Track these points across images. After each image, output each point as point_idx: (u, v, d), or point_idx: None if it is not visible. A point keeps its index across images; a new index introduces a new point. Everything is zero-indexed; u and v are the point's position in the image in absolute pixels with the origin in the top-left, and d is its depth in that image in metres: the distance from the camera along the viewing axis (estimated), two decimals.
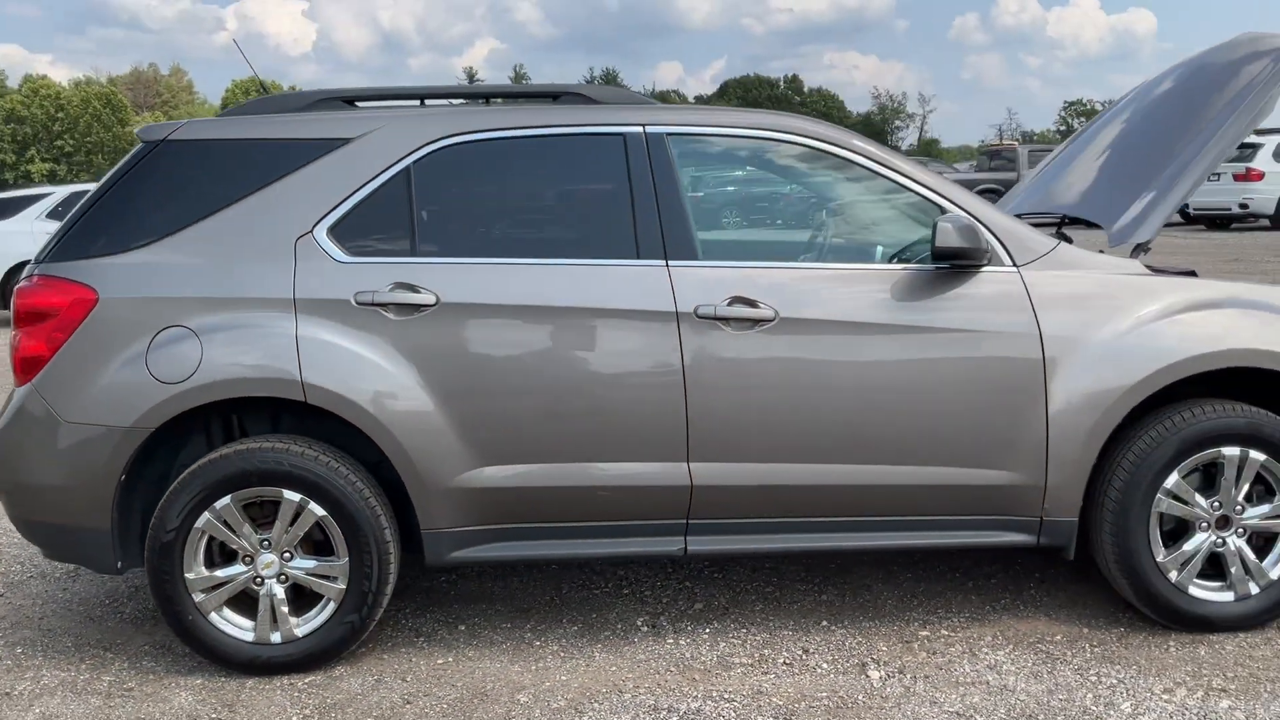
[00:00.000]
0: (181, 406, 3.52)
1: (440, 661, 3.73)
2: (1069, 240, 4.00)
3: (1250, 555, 3.72)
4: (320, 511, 3.56)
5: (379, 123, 3.75)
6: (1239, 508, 3.70)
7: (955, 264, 3.63)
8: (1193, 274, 4.39)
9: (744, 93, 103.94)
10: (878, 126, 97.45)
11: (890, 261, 3.84)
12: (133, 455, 3.54)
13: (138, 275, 3.61)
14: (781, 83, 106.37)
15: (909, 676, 3.49)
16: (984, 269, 3.68)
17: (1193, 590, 3.72)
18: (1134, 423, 3.68)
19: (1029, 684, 3.41)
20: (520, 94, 4.17)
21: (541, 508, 3.65)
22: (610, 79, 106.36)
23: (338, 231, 3.64)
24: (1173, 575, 3.70)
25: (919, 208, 3.81)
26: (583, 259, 3.66)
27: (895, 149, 4.45)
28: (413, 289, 3.58)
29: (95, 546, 3.63)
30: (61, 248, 3.68)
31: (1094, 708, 3.25)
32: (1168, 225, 5.60)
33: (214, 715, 3.39)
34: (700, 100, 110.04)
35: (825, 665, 3.59)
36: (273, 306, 3.56)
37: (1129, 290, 3.73)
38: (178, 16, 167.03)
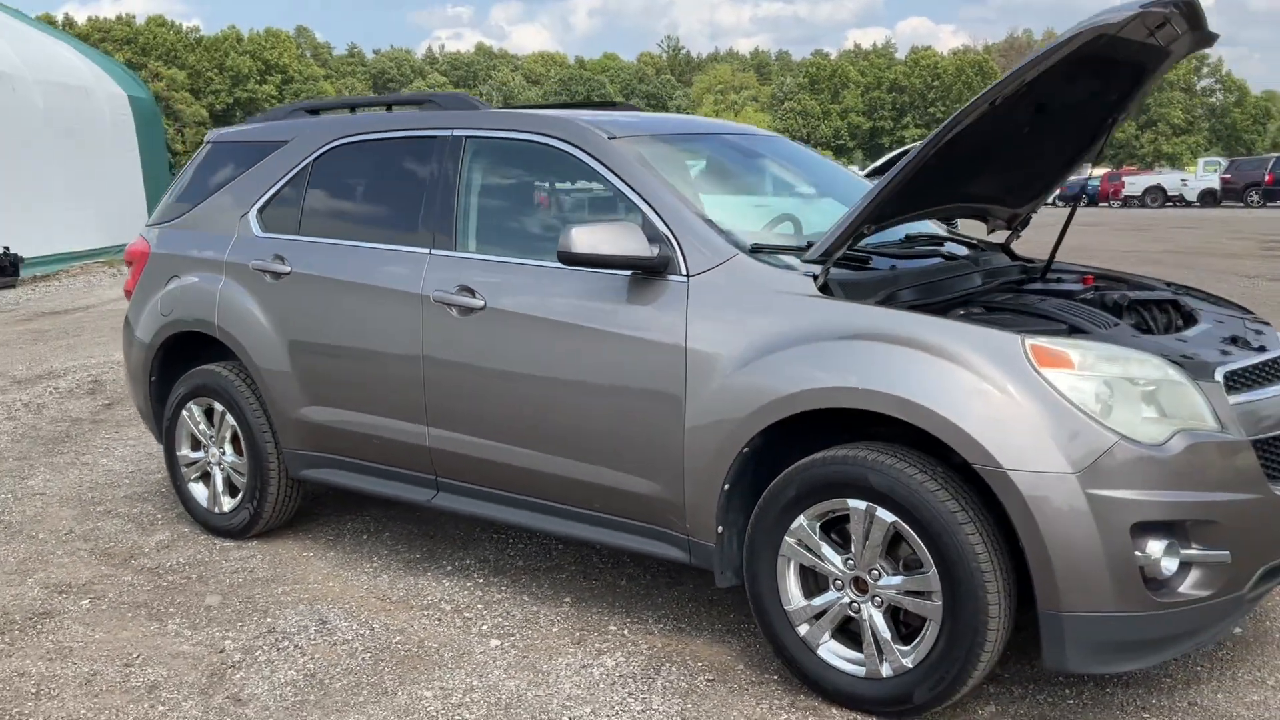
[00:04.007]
0: (168, 334, 4.98)
1: (304, 554, 4.75)
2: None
3: (883, 630, 3.17)
4: (233, 421, 4.79)
5: (305, 128, 4.78)
6: (874, 573, 3.18)
7: (625, 271, 3.61)
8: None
9: None
10: None
11: None
12: (152, 362, 5.09)
13: (170, 238, 5.12)
14: None
15: (510, 651, 3.70)
16: (669, 276, 3.60)
17: (822, 652, 3.30)
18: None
19: (571, 689, 3.44)
20: (411, 101, 4.84)
21: (343, 446, 4.47)
22: None
23: (263, 212, 4.78)
24: (802, 629, 3.32)
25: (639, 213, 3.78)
26: (385, 244, 4.34)
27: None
28: (280, 260, 4.59)
29: (150, 420, 5.28)
30: (152, 215, 5.34)
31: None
32: None
33: (151, 548, 4.84)
34: None
35: (485, 628, 3.92)
36: (216, 268, 4.84)
37: (779, 310, 3.35)
38: None
